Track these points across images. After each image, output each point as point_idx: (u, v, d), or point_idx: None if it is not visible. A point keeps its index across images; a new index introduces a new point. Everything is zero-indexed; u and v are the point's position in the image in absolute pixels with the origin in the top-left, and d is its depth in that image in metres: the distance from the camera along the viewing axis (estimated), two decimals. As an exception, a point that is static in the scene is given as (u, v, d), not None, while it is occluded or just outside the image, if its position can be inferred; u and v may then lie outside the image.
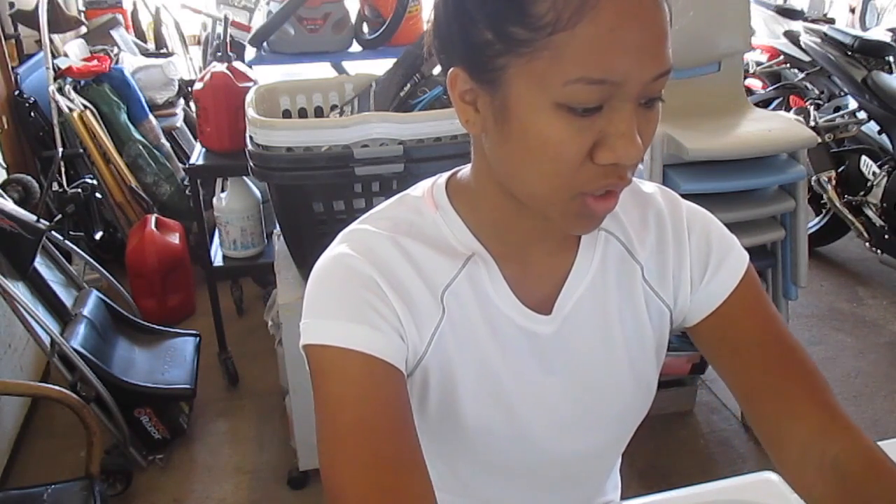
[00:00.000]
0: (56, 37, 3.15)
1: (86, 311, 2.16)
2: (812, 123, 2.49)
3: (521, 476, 0.79)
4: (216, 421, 2.34)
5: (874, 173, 2.78)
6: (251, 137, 1.64)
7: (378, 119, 1.59)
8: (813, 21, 3.26)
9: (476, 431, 0.73)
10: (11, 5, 3.00)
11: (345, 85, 2.00)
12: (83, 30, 3.54)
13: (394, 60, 1.87)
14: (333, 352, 0.64)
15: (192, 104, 3.00)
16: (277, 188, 1.70)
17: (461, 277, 0.70)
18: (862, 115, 2.74)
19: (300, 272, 1.83)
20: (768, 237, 2.06)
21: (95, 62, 3.09)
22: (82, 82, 3.04)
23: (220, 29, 2.49)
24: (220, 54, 2.33)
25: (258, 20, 2.68)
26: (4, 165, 2.66)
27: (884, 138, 2.77)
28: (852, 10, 4.21)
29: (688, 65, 2.11)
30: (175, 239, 2.83)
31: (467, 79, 0.61)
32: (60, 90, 2.89)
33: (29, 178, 2.56)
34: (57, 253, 2.38)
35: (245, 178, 2.28)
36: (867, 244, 2.85)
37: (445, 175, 0.74)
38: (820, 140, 2.32)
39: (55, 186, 2.65)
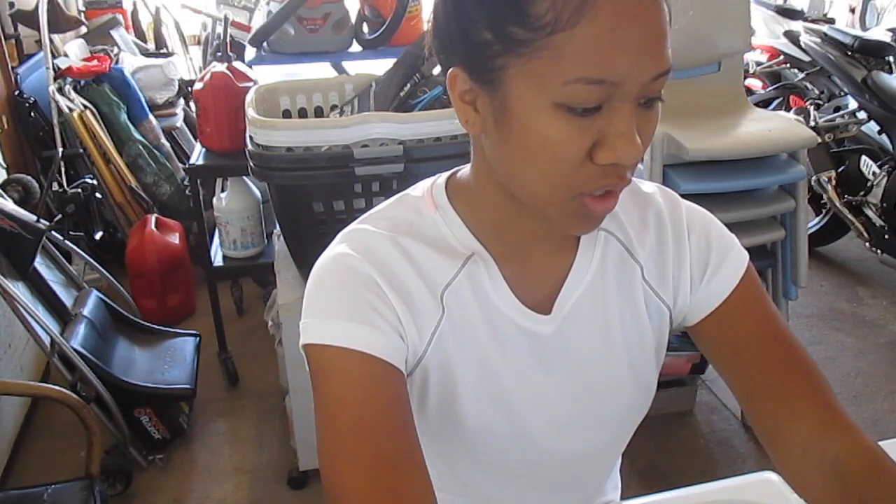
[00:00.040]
0: (56, 37, 3.15)
1: (86, 311, 2.16)
2: (812, 123, 2.49)
3: (520, 476, 0.79)
4: (216, 421, 2.34)
5: (874, 173, 2.78)
6: (251, 137, 1.64)
7: (378, 119, 1.59)
8: (813, 21, 3.26)
9: (476, 431, 0.73)
10: (11, 5, 3.00)
11: (345, 85, 2.00)
12: (83, 30, 3.54)
13: (394, 60, 1.87)
14: (333, 351, 0.64)
15: (192, 104, 3.00)
16: (277, 188, 1.70)
17: (461, 277, 0.70)
18: (862, 115, 2.74)
19: (300, 272, 1.83)
20: (768, 237, 2.06)
21: (95, 62, 3.09)
22: (82, 82, 3.04)
23: (220, 29, 2.49)
24: (220, 54, 2.33)
25: (258, 20, 2.69)
26: (4, 165, 2.66)
27: (884, 138, 2.77)
28: (852, 10, 4.21)
29: (688, 65, 2.11)
30: (175, 239, 2.83)
31: (467, 79, 0.61)
32: (60, 90, 2.89)
33: (29, 178, 2.56)
34: (57, 253, 2.38)
35: (245, 178, 2.28)
36: (867, 244, 2.85)
37: (445, 175, 0.74)
38: (820, 140, 2.32)
39: (55, 186, 2.65)
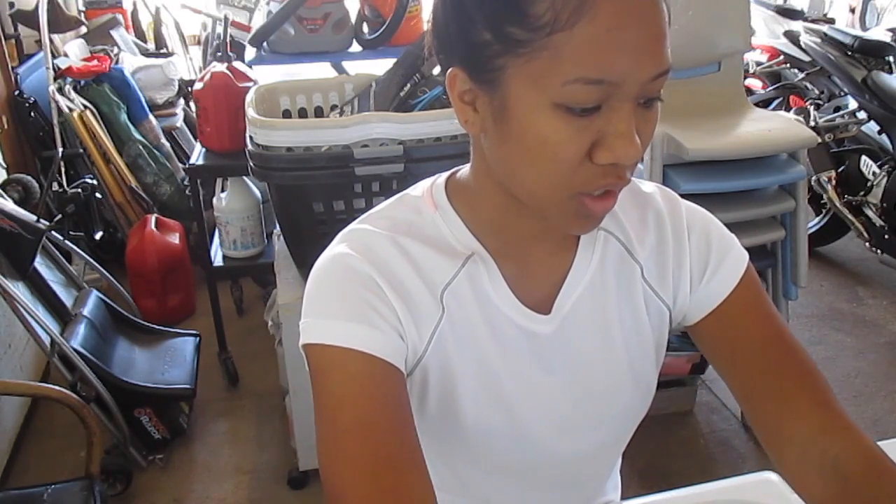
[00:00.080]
0: (56, 37, 3.15)
1: (86, 311, 2.16)
2: (812, 123, 2.49)
3: (520, 476, 0.79)
4: (216, 421, 2.34)
5: (874, 173, 2.78)
6: (251, 137, 1.64)
7: (378, 119, 1.59)
8: (813, 21, 3.26)
9: (476, 431, 0.73)
10: (11, 5, 3.00)
11: (345, 85, 2.00)
12: (83, 30, 3.54)
13: (394, 60, 1.87)
14: (333, 351, 0.64)
15: (192, 104, 3.00)
16: (277, 188, 1.70)
17: (460, 277, 0.70)
18: (862, 115, 2.74)
19: (300, 272, 1.83)
20: (768, 237, 2.06)
21: (95, 62, 3.09)
22: (82, 82, 3.04)
23: (220, 29, 2.49)
24: (220, 54, 2.33)
25: (258, 20, 2.69)
26: (4, 165, 2.66)
27: (884, 138, 2.77)
28: (852, 10, 4.21)
29: (688, 65, 2.11)
30: (175, 239, 2.83)
31: (466, 79, 0.62)
32: (60, 90, 2.89)
33: (29, 178, 2.56)
34: (57, 253, 2.38)
35: (245, 178, 2.28)
36: (867, 244, 2.85)
37: (445, 175, 0.74)
38: (820, 140, 2.32)
39: (55, 186, 2.65)
